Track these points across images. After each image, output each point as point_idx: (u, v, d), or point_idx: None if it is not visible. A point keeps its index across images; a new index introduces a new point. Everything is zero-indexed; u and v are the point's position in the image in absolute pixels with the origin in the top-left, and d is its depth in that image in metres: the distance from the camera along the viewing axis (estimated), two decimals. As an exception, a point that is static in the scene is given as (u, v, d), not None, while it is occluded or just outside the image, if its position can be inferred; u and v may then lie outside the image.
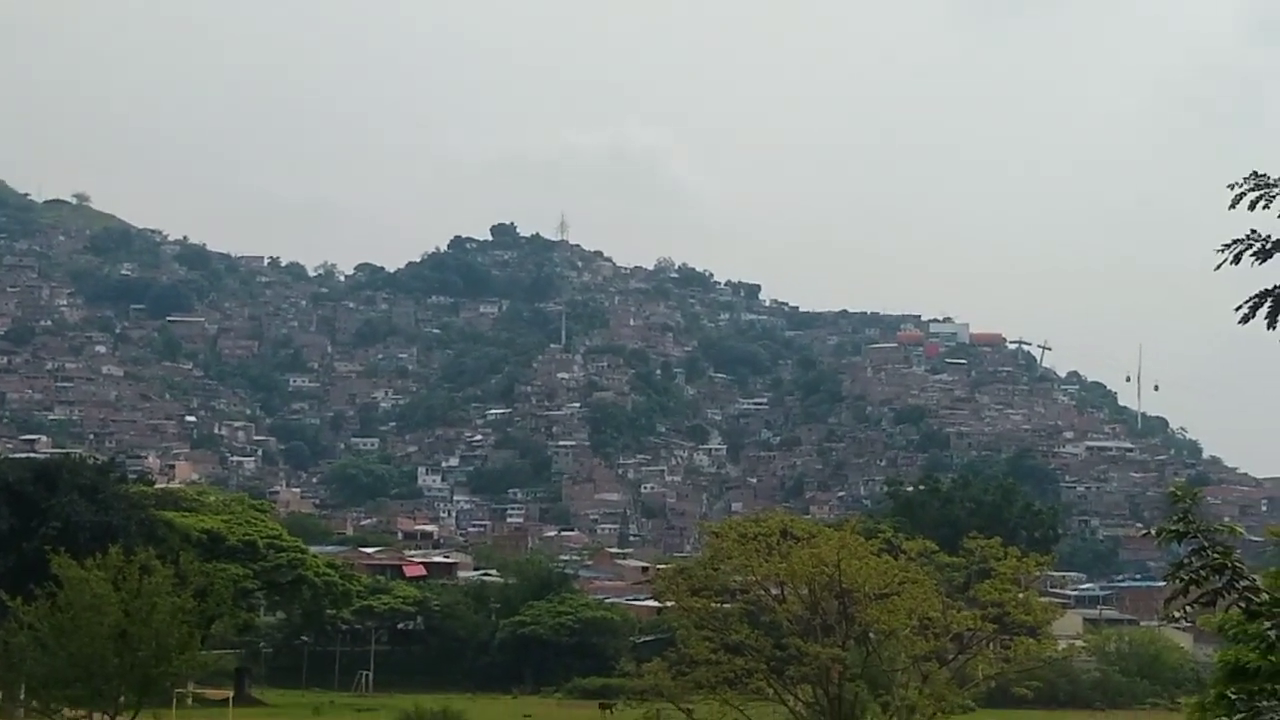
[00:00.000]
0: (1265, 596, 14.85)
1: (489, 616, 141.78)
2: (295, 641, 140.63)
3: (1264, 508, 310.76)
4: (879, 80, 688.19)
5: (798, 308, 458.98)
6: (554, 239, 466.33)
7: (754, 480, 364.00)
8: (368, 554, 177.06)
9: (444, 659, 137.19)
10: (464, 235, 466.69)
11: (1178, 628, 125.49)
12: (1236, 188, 15.60)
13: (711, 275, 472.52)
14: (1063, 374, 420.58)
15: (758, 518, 76.91)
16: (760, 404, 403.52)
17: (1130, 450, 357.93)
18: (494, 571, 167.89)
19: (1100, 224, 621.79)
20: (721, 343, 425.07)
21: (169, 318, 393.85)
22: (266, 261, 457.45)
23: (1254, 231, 15.58)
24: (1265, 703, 14.29)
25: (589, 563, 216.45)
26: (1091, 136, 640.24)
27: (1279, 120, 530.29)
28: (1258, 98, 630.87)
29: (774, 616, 67.61)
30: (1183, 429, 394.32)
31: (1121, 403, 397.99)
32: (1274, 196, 15.46)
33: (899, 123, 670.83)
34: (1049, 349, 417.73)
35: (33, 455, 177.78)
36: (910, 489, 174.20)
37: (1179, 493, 15.37)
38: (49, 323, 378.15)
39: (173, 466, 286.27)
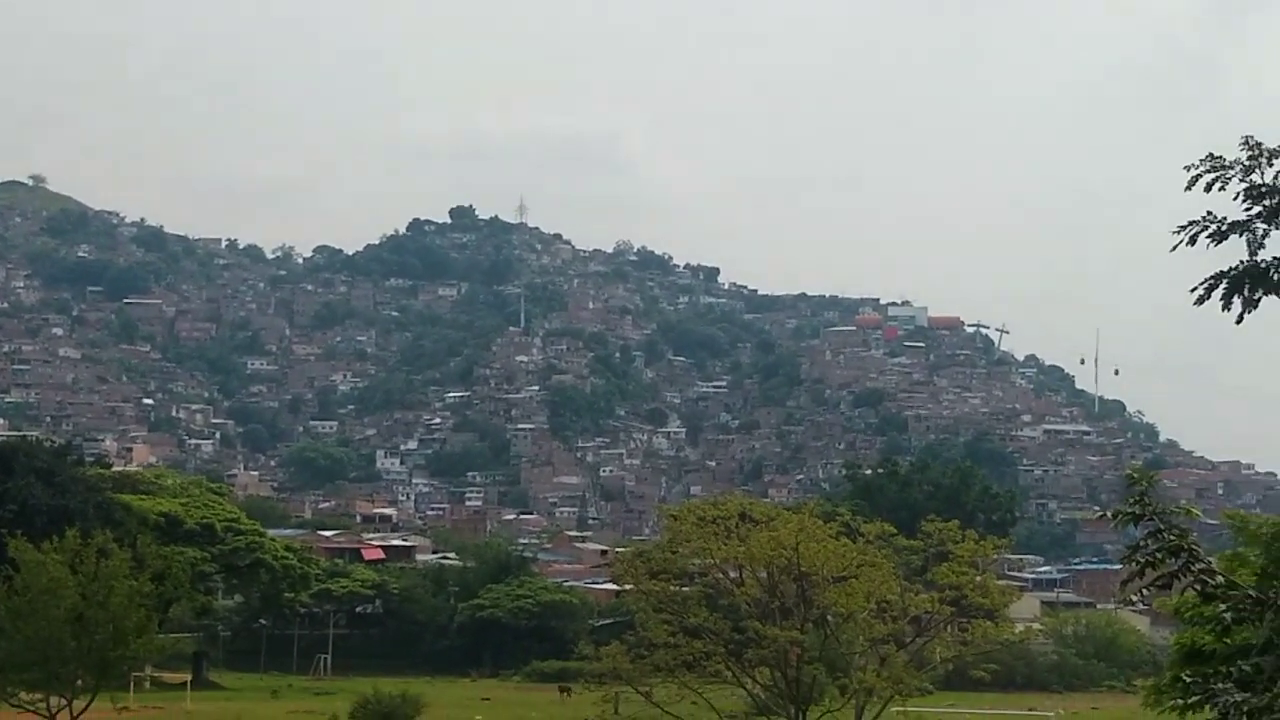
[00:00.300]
0: (1221, 579, 14.88)
1: (447, 600, 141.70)
2: (253, 625, 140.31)
3: (1220, 491, 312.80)
4: (839, 63, 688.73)
5: (756, 291, 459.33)
6: (513, 222, 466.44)
7: (713, 463, 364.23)
8: (326, 537, 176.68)
9: (402, 642, 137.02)
10: (422, 218, 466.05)
11: (1134, 610, 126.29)
12: (1193, 169, 15.63)
13: (670, 258, 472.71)
14: (1020, 357, 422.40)
15: (716, 501, 77.20)
16: (719, 387, 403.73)
17: (1087, 433, 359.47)
18: (452, 555, 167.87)
19: (1058, 207, 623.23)
20: (680, 326, 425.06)
21: (126, 300, 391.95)
22: (224, 244, 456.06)
23: (1210, 213, 15.61)
24: (1220, 685, 14.33)
25: (548, 546, 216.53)
26: (1050, 119, 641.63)
27: (1237, 100, 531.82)
28: (1215, 78, 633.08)
29: (732, 599, 67.81)
30: (1140, 412, 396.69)
31: (1079, 386, 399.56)
32: (1230, 178, 15.49)
33: (858, 106, 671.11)
34: (1007, 332, 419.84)
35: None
36: (868, 472, 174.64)
37: (1135, 476, 15.38)
38: (5, 305, 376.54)
39: (130, 449, 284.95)
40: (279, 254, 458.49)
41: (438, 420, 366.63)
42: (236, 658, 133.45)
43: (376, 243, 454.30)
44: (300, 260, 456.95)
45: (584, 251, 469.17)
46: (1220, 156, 15.57)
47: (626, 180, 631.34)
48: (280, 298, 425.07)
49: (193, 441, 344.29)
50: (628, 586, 75.03)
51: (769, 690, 65.98)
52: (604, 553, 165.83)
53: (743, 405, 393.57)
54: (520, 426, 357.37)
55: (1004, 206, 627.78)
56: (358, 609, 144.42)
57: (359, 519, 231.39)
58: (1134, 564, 14.93)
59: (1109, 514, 15.44)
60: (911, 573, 70.72)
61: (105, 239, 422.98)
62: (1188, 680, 15.07)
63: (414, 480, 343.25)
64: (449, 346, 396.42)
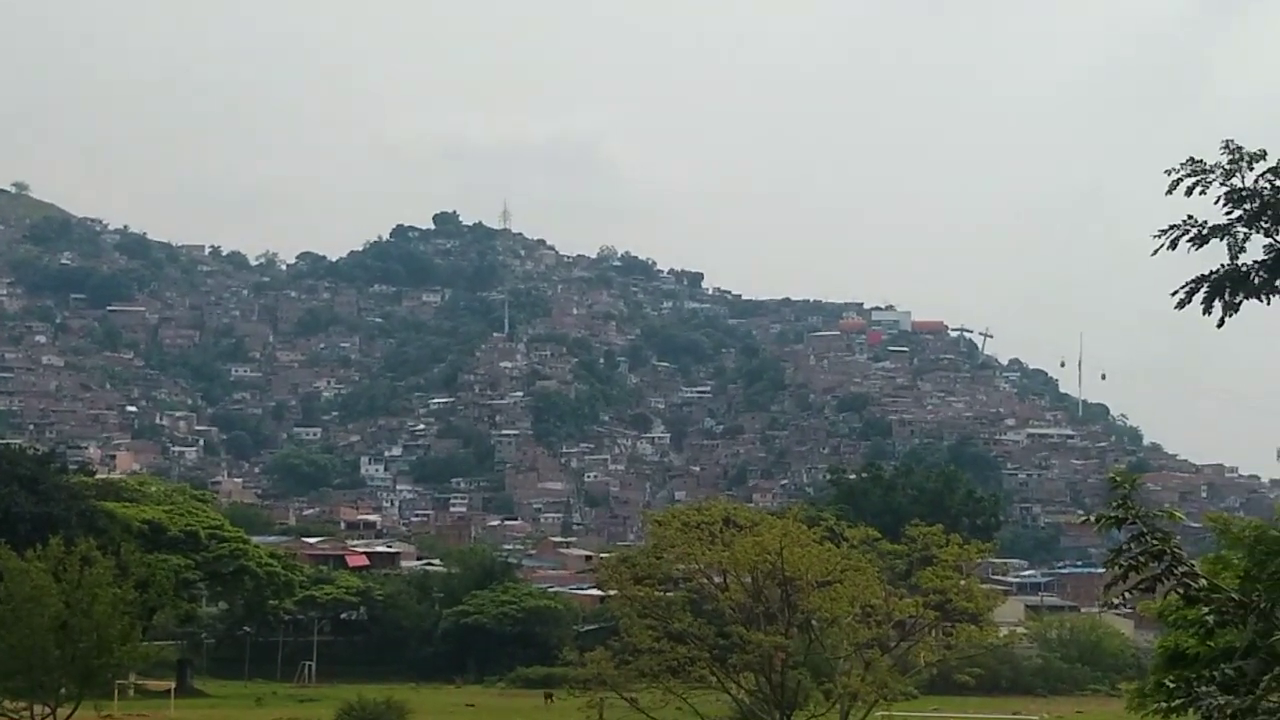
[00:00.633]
0: (1204, 582, 14.90)
1: (432, 606, 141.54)
2: (237, 632, 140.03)
3: (1204, 494, 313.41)
4: (820, 67, 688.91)
5: (740, 296, 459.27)
6: (496, 227, 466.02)
7: (697, 469, 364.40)
8: (310, 544, 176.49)
9: (387, 649, 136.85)
10: (406, 224, 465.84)
11: (1118, 614, 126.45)
12: (1174, 173, 15.66)
13: (654, 264, 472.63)
14: (1004, 361, 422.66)
15: (701, 506, 77.18)
16: (703, 392, 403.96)
17: (1071, 437, 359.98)
18: (437, 561, 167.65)
19: (1041, 211, 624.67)
20: (664, 331, 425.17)
21: (109, 307, 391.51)
22: (208, 250, 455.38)
23: (1190, 217, 15.65)
24: (1204, 688, 14.36)
25: (532, 552, 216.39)
26: (1034, 123, 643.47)
27: (1221, 105, 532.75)
28: (1200, 82, 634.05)
29: (717, 605, 67.80)
30: (1123, 416, 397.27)
31: (1062, 390, 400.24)
32: (1210, 182, 15.53)
33: (843, 112, 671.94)
34: (990, 336, 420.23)
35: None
36: (853, 477, 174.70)
37: (1119, 479, 15.39)
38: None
39: (114, 457, 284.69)
40: (262, 260, 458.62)
41: (422, 426, 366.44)
42: (220, 665, 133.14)
43: (360, 249, 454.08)
44: (284, 267, 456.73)
45: (568, 257, 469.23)
46: (1201, 160, 15.60)
47: (610, 186, 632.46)
48: (264, 304, 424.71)
49: (176, 449, 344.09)
50: (612, 592, 75.02)
51: (754, 695, 65.99)
52: (588, 558, 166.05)
53: (727, 410, 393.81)
54: (504, 432, 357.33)
55: (987, 211, 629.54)
56: (342, 616, 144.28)
57: (343, 526, 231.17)
58: (1117, 567, 14.94)
59: (1092, 518, 15.45)
60: (896, 577, 70.78)
61: (88, 246, 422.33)
62: (1171, 684, 15.13)
63: (398, 487, 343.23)
64: (433, 353, 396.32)
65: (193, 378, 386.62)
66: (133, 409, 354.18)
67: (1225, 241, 15.63)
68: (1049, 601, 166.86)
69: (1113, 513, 15.01)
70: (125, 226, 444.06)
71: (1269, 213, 15.42)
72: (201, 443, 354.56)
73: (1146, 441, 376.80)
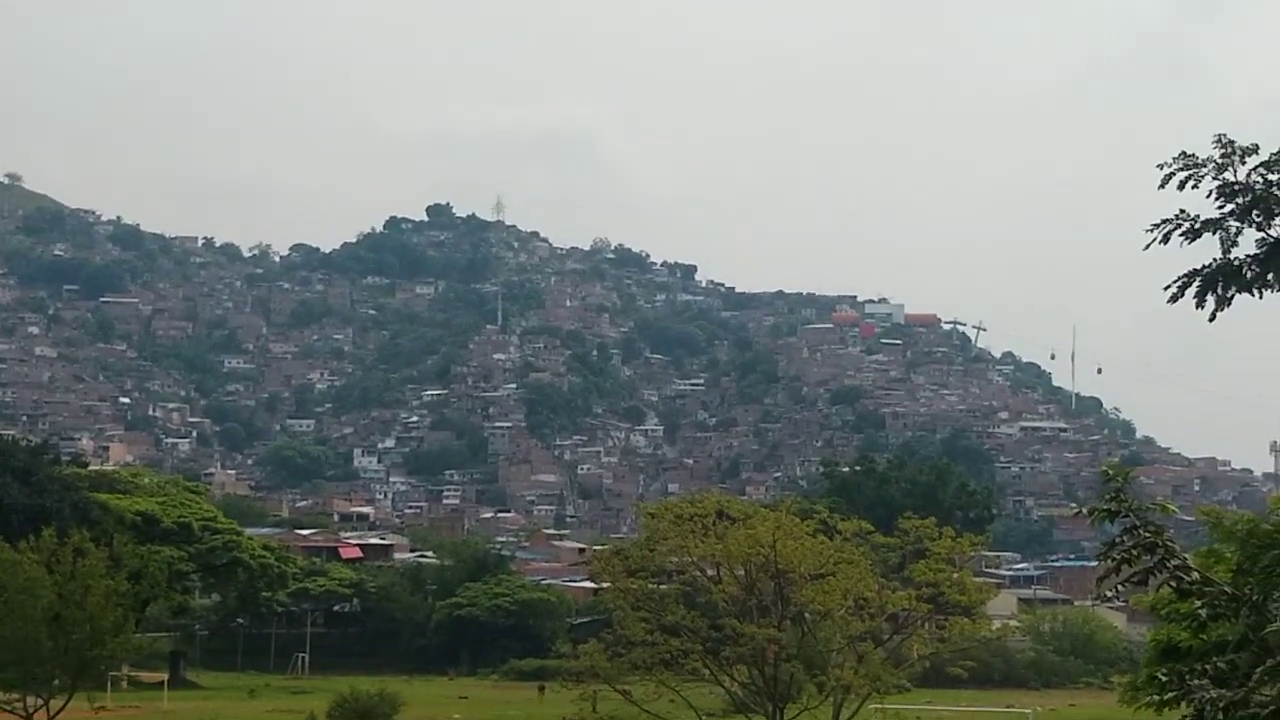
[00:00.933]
0: (1196, 576, 14.93)
1: (425, 598, 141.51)
2: (231, 624, 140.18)
3: (1196, 487, 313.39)
4: (817, 62, 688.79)
5: (734, 288, 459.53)
6: (490, 219, 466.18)
7: (690, 461, 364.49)
8: (303, 536, 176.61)
9: (380, 641, 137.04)
10: (399, 215, 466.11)
11: (1111, 607, 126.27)
12: (1166, 168, 15.68)
13: (648, 256, 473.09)
14: (997, 354, 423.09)
15: (694, 499, 77.10)
16: (696, 385, 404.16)
17: (1064, 430, 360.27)
18: (430, 553, 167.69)
19: (1034, 203, 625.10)
20: (658, 323, 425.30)
21: (103, 299, 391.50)
22: (201, 242, 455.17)
23: (1183, 211, 15.67)
24: (1196, 681, 14.39)
25: (525, 544, 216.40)
26: (1024, 115, 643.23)
27: (1214, 99, 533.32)
28: (1193, 74, 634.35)
29: (710, 597, 67.76)
30: (1116, 409, 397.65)
31: (1056, 383, 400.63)
32: (1203, 176, 15.55)
33: (836, 105, 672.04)
34: (984, 329, 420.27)
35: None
36: (846, 469, 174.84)
37: (1112, 472, 15.42)
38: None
39: (107, 448, 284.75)
40: (256, 252, 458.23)
41: (415, 419, 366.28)
42: (214, 657, 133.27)
43: (353, 241, 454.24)
44: (277, 258, 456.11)
45: (561, 249, 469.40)
46: (1193, 154, 15.64)
47: (604, 178, 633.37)
48: (257, 296, 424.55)
49: (169, 440, 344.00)
50: (605, 585, 74.92)
51: (746, 688, 65.96)
52: (581, 551, 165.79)
53: (720, 403, 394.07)
54: (498, 425, 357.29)
55: (981, 204, 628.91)
56: (335, 608, 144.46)
57: (336, 518, 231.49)
58: (1110, 560, 14.98)
59: (1085, 511, 15.50)
60: (889, 570, 70.80)
61: (81, 237, 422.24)
62: (1164, 677, 15.14)
63: (391, 479, 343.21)
64: (426, 345, 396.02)
65: (186, 369, 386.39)
66: (126, 400, 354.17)
67: (1217, 235, 15.67)
68: (1042, 594, 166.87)
69: (1106, 506, 15.06)
70: (118, 218, 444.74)
71: (1261, 207, 15.45)
72: (195, 434, 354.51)
73: (1139, 435, 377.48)
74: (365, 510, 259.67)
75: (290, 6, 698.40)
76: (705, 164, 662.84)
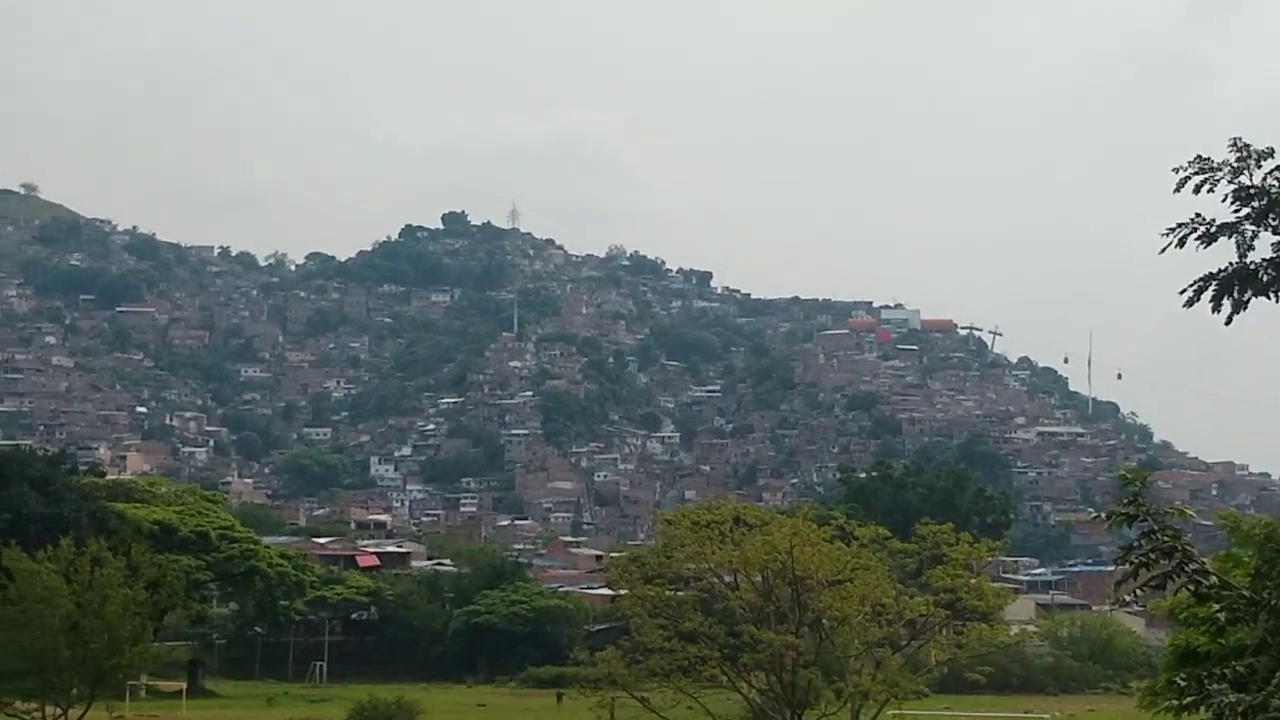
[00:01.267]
0: (1214, 580, 14.92)
1: (443, 606, 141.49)
2: (248, 633, 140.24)
3: (1214, 492, 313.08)
4: (831, 65, 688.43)
5: (749, 295, 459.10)
6: (505, 227, 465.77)
7: (707, 468, 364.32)
8: (321, 544, 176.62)
9: (398, 649, 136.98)
10: (415, 224, 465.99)
11: (1129, 612, 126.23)
12: (1180, 171, 15.66)
13: (663, 263, 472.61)
14: (1014, 360, 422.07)
15: (711, 505, 77.18)
16: (713, 391, 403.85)
17: (1081, 435, 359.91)
18: (447, 561, 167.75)
19: (1050, 209, 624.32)
20: (673, 330, 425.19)
21: (119, 308, 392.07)
22: (217, 251, 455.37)
23: (1198, 215, 15.64)
24: (1215, 686, 14.37)
25: (542, 552, 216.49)
26: (1040, 119, 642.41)
27: (1229, 99, 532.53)
28: (1207, 76, 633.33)
29: (727, 604, 67.75)
30: (1133, 414, 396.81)
31: (1072, 388, 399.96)
32: (1218, 180, 15.52)
33: (850, 110, 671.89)
34: (1000, 335, 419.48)
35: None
36: (863, 475, 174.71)
37: (1129, 477, 15.42)
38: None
39: (124, 458, 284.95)
40: (271, 261, 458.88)
41: (431, 426, 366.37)
42: (232, 666, 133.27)
43: (369, 249, 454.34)
44: (293, 267, 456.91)
45: (576, 256, 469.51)
46: (1208, 158, 15.59)
47: (618, 185, 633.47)
48: (273, 305, 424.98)
49: (186, 449, 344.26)
50: (623, 591, 74.98)
51: (765, 694, 65.97)
52: (599, 558, 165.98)
53: (736, 409, 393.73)
54: (514, 432, 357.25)
55: (996, 208, 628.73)
56: (353, 616, 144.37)
57: (353, 526, 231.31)
58: (1128, 565, 14.97)
59: (1103, 515, 15.49)
60: (906, 576, 70.80)
61: (97, 247, 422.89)
62: (1182, 681, 15.11)
63: (408, 487, 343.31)
64: (442, 352, 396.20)
65: (202, 378, 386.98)
66: (142, 410, 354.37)
67: (1233, 239, 15.64)
68: (1060, 600, 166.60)
69: (1123, 510, 15.05)
70: (134, 227, 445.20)
71: (1277, 210, 15.43)
72: (211, 443, 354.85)
73: (1157, 439, 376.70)
74: (382, 518, 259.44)
75: (304, 19, 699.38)
76: (720, 170, 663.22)
